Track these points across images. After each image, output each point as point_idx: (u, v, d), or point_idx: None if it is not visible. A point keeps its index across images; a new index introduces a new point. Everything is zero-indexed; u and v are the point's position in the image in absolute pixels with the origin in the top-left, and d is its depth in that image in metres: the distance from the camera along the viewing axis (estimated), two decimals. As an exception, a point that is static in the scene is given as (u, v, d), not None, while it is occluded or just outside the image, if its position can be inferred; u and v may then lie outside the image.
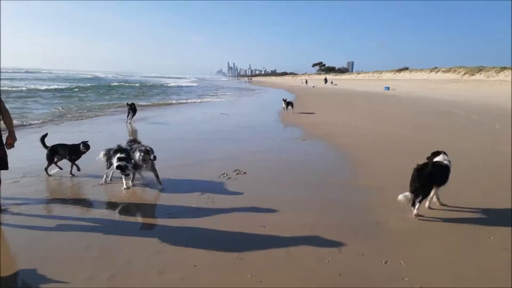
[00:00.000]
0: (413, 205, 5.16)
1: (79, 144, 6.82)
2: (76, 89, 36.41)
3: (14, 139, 5.15)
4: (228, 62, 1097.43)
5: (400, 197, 5.02)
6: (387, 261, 3.91)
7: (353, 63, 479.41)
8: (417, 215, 5.17)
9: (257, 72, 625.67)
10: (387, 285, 3.49)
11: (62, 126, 13.28)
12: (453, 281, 3.57)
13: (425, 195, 5.18)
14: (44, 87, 35.71)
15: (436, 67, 71.25)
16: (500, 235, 4.60)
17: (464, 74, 57.19)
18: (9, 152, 5.17)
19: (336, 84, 66.67)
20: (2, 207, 5.11)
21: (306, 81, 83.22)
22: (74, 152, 6.84)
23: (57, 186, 6.39)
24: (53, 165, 6.87)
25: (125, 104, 15.99)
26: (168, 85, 58.51)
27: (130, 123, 14.13)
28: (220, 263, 3.87)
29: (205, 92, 43.05)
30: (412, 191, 5.04)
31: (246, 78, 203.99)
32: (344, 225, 4.88)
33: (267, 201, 5.73)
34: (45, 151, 6.76)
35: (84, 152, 6.88)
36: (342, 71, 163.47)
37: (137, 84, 53.77)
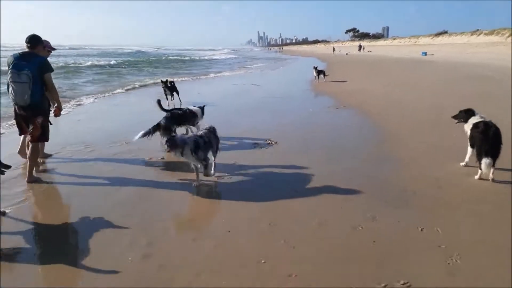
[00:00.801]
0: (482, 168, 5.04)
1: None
2: (127, 64, 36.65)
3: (60, 109, 5.59)
4: (258, 32, 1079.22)
5: (483, 167, 4.97)
6: (423, 229, 3.83)
7: (388, 28, 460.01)
8: (493, 179, 5.11)
9: (287, 41, 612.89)
10: (423, 252, 3.43)
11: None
12: (489, 252, 3.45)
13: (497, 156, 5.00)
14: (102, 62, 35.93)
15: (477, 30, 67.23)
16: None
17: (509, 36, 53.65)
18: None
19: (370, 51, 64.45)
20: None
21: (334, 49, 79.25)
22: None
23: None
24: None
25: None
26: (212, 57, 56.81)
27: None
28: (253, 229, 3.92)
29: (241, 63, 42.38)
30: (487, 155, 4.91)
31: (276, 48, 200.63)
32: (378, 194, 4.79)
33: (298, 171, 5.72)
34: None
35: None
36: (376, 37, 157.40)
37: (187, 58, 52.07)
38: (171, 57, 52.62)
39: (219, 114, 10.11)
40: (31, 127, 5.18)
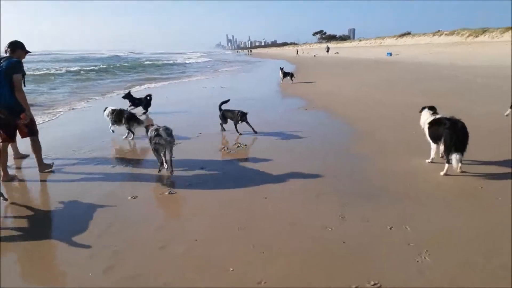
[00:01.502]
0: (449, 162, 5.13)
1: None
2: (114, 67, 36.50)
3: (27, 114, 5.39)
4: (227, 35, 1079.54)
5: (453, 162, 5.02)
6: (392, 227, 3.82)
7: (354, 30, 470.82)
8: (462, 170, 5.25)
9: (256, 44, 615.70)
10: (393, 251, 3.41)
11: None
12: (458, 248, 3.47)
13: (465, 149, 5.07)
14: (84, 68, 35.06)
15: (439, 31, 69.75)
16: (508, 196, 4.49)
17: (468, 36, 55.99)
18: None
19: (337, 53, 65.53)
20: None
21: (297, 52, 79.42)
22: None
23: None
24: None
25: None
26: (186, 61, 54.56)
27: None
28: (222, 235, 3.80)
29: (214, 66, 41.97)
30: (457, 150, 4.97)
31: (245, 50, 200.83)
32: (347, 192, 4.80)
33: (269, 172, 5.64)
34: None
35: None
36: (343, 38, 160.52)
37: (162, 62, 50.46)
38: (147, 62, 50.98)
39: (184, 117, 9.92)
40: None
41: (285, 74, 18.31)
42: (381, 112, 10.12)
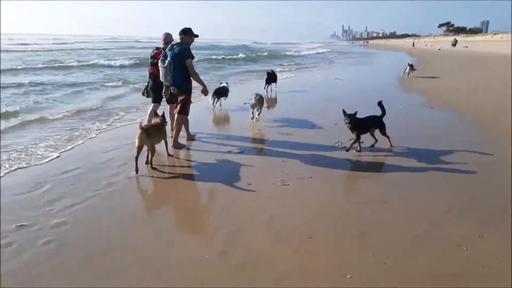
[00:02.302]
0: None
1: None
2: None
3: (205, 90, 6.53)
4: (342, 25, 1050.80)
5: None
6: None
7: (488, 22, 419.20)
8: None
9: (374, 35, 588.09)
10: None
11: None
12: None
13: None
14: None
15: None
16: None
17: None
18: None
19: (466, 47, 59.00)
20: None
21: (413, 44, 73.05)
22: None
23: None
24: None
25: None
26: (308, 53, 50.56)
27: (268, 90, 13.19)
28: (341, 240, 3.54)
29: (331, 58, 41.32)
30: None
31: (361, 41, 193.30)
32: (485, 206, 4.16)
33: (388, 174, 5.21)
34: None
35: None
36: (474, 31, 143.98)
37: (288, 53, 48.35)
38: (282, 52, 50.19)
39: (298, 107, 9.77)
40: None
41: (412, 68, 17.42)
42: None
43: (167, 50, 6.17)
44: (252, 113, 8.32)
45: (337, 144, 6.53)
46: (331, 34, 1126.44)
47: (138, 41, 79.13)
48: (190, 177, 5.28)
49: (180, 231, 3.87)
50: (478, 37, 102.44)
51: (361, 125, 6.13)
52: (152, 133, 5.35)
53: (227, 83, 10.81)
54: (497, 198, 4.41)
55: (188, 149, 6.44)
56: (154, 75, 6.81)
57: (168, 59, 5.97)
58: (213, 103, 10.04)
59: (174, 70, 5.99)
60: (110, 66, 23.32)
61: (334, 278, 2.91)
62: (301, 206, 4.24)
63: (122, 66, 23.56)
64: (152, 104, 7.07)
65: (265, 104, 8.64)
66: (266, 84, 13.16)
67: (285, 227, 3.75)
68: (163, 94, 6.59)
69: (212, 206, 4.43)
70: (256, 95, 8.14)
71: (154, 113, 6.15)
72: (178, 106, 6.38)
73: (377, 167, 5.62)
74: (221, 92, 10.11)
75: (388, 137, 6.38)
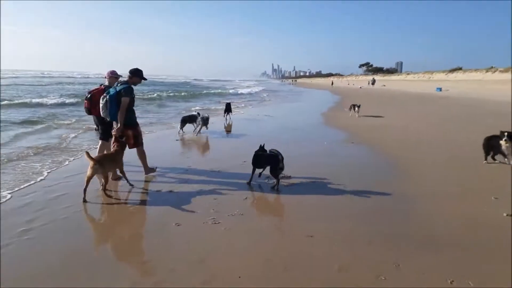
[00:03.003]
0: None
1: None
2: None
3: (120, 129, 6.34)
4: (272, 64, 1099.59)
5: None
6: (452, 281, 3.47)
7: (402, 63, 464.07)
8: None
9: (301, 74, 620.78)
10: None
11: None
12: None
13: None
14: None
15: (492, 67, 66.93)
16: None
17: (526, 74, 53.18)
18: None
19: (384, 85, 64.48)
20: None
21: (332, 83, 79.10)
22: None
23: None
24: None
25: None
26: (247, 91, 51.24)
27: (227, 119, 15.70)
28: (268, 276, 3.59)
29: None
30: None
31: (290, 80, 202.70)
32: (402, 238, 4.45)
33: (313, 208, 5.43)
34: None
35: None
36: (390, 71, 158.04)
37: (224, 91, 49.58)
38: (218, 90, 50.76)
39: (228, 143, 9.90)
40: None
41: (354, 106, 18.02)
42: (435, 149, 9.62)
43: (112, 87, 6.48)
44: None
45: (266, 181, 6.70)
46: (262, 73, 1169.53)
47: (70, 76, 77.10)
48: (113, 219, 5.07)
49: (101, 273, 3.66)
50: (394, 77, 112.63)
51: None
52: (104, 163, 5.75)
53: (198, 113, 12.62)
54: (412, 227, 4.78)
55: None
56: (87, 109, 7.16)
57: (107, 96, 6.26)
58: (180, 129, 11.98)
59: (110, 107, 6.25)
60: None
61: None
62: (231, 245, 4.25)
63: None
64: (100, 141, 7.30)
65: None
66: (224, 113, 15.83)
67: (216, 267, 3.73)
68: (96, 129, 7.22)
69: (142, 247, 4.27)
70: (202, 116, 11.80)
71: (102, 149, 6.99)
72: (130, 141, 6.59)
73: (303, 200, 5.82)
74: (187, 120, 12.19)
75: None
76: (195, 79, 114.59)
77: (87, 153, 5.57)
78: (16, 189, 6.06)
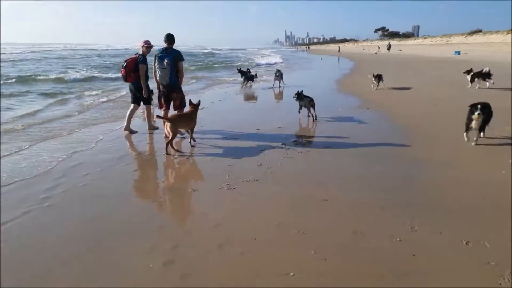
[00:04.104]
0: None
1: None
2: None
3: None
4: (285, 31, 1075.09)
5: None
6: (468, 242, 3.47)
7: (419, 27, 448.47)
8: None
9: (315, 40, 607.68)
10: (470, 269, 3.08)
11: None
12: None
13: None
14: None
15: (515, 27, 64.28)
16: None
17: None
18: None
19: (400, 50, 62.79)
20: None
21: (339, 49, 76.74)
22: None
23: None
24: None
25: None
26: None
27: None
28: (281, 238, 3.66)
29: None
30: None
31: (303, 47, 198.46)
32: (417, 202, 4.44)
33: (329, 175, 5.43)
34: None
35: None
36: (407, 36, 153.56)
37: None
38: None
39: (243, 113, 9.86)
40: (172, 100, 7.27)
41: (379, 78, 14.94)
42: (452, 114, 9.42)
43: (158, 53, 6.88)
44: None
45: (283, 147, 6.70)
46: (274, 40, 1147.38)
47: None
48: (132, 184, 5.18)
49: (122, 238, 3.76)
50: (410, 41, 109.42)
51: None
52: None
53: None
54: (427, 193, 4.76)
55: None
56: (124, 77, 7.60)
57: (166, 60, 6.74)
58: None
59: (171, 70, 6.83)
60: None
61: (278, 277, 3.00)
62: (246, 210, 4.32)
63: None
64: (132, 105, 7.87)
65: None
66: (275, 80, 16.48)
67: (231, 230, 3.80)
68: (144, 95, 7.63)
69: (156, 214, 4.36)
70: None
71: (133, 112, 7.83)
72: (177, 102, 7.20)
73: (316, 166, 5.83)
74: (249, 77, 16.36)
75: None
76: (215, 49, 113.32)
77: (158, 116, 6.73)
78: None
